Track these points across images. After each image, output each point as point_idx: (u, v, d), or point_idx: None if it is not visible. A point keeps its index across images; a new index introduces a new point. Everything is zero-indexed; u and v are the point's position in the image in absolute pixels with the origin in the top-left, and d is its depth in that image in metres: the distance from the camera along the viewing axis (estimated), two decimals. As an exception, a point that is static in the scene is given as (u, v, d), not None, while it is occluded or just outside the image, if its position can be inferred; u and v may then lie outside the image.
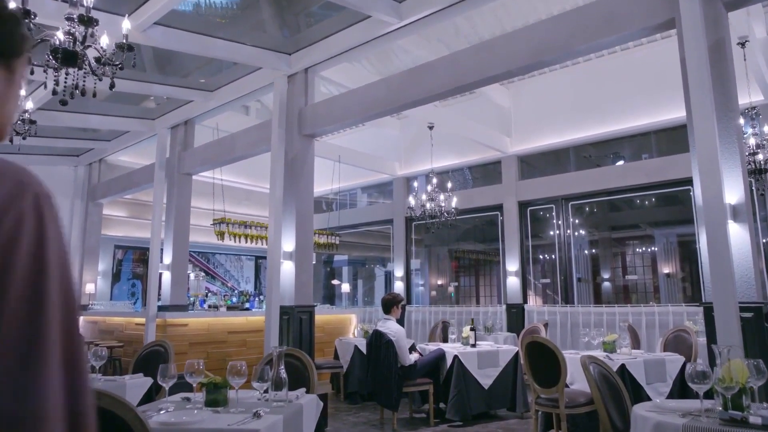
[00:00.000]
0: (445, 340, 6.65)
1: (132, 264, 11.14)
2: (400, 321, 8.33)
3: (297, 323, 5.46)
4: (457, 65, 4.80)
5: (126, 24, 2.85)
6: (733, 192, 3.16)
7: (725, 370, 2.06)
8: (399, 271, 10.05)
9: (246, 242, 8.41)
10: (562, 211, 8.40)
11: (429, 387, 5.00)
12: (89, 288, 9.34)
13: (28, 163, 8.52)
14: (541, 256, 9.02)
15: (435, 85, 4.91)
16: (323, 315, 7.82)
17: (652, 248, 9.41)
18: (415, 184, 9.09)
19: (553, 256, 8.56)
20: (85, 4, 2.66)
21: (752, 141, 5.05)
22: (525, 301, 8.48)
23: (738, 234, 3.12)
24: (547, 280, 8.78)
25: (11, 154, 8.40)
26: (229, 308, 8.13)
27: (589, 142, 8.27)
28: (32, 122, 3.68)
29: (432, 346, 5.50)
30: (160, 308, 7.13)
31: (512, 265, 8.56)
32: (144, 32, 4.65)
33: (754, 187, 5.92)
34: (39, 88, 5.05)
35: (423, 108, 7.64)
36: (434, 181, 8.00)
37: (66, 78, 2.58)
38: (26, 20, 2.37)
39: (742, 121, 3.47)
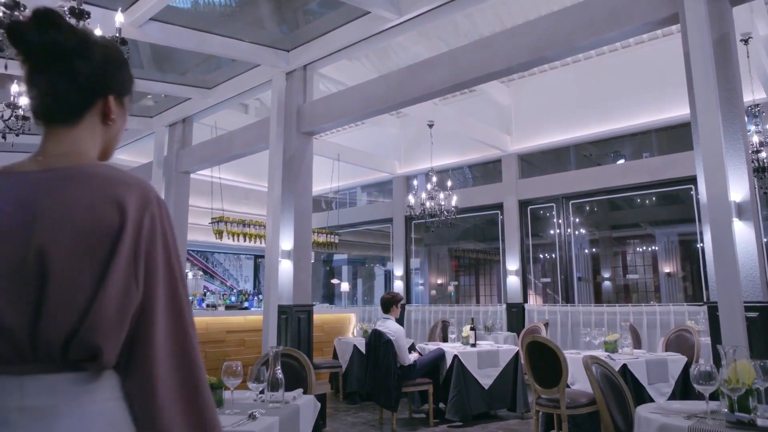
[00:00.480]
0: (444, 339, 6.61)
1: (130, 263, 11.08)
2: (400, 320, 8.28)
3: (295, 323, 5.41)
4: (457, 62, 4.74)
5: (119, 17, 2.79)
6: (738, 189, 3.11)
7: (731, 371, 2.01)
8: (399, 270, 10.00)
9: (244, 241, 8.37)
10: (563, 210, 8.36)
11: (428, 387, 4.96)
12: (87, 287, 9.28)
13: (25, 161, 8.45)
14: (541, 255, 8.97)
15: (434, 81, 4.86)
16: (322, 314, 7.77)
17: (653, 247, 9.37)
18: (415, 182, 9.04)
19: (554, 255, 8.52)
20: (77, -4, 2.61)
21: (755, 139, 5.01)
22: (525, 300, 8.43)
23: (743, 232, 3.07)
24: (548, 280, 8.74)
25: (7, 153, 8.35)
26: (227, 307, 8.08)
27: (590, 141, 8.23)
28: (25, 118, 3.63)
29: (432, 346, 5.46)
30: (158, 307, 7.06)
31: (512, 264, 8.51)
32: (140, 28, 4.59)
33: (756, 186, 5.88)
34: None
35: (423, 106, 7.61)
36: (434, 179, 7.95)
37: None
38: (16, 13, 2.31)
39: (745, 118, 3.42)
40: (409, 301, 9.84)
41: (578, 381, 4.14)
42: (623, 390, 2.79)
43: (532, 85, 8.68)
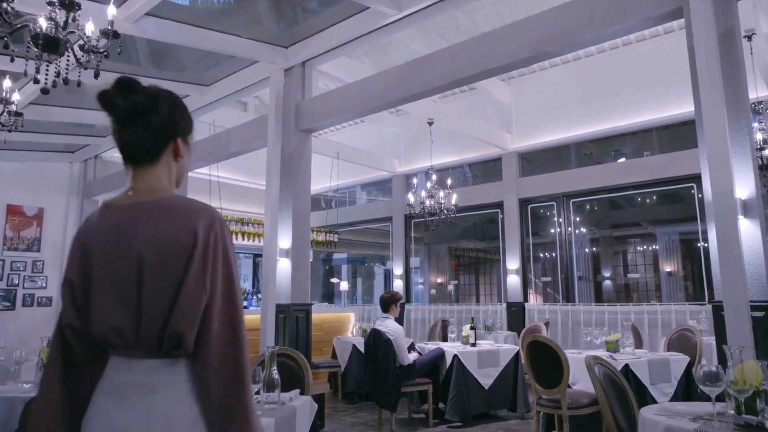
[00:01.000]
0: (444, 339, 6.56)
1: (128, 262, 11.04)
2: (399, 320, 8.23)
3: (293, 322, 5.35)
4: (457, 58, 4.68)
5: (111, 9, 2.73)
6: (744, 186, 3.05)
7: (738, 371, 1.96)
8: (398, 269, 9.96)
9: (243, 240, 8.31)
10: (563, 208, 8.31)
11: (428, 387, 4.92)
12: (85, 286, 9.24)
13: (23, 159, 8.36)
14: (541, 254, 8.92)
15: (434, 78, 4.80)
16: (321, 313, 7.72)
17: (654, 246, 9.31)
18: (415, 181, 8.98)
19: (554, 254, 8.47)
20: (67, -14, 2.54)
21: (759, 136, 4.95)
22: (525, 299, 8.39)
23: (749, 230, 3.01)
24: (548, 279, 8.69)
25: (4, 151, 8.29)
26: (225, 306, 8.02)
27: (591, 139, 8.18)
28: (18, 114, 3.57)
29: (431, 345, 5.42)
30: (156, 306, 7.01)
31: (512, 263, 8.47)
32: (135, 23, 4.53)
33: (760, 183, 5.82)
34: (30, 82, 4.93)
35: (422, 104, 7.56)
36: (434, 177, 7.90)
37: (48, 67, 2.46)
38: (3, 3, 2.26)
39: (750, 114, 3.36)
40: (408, 300, 9.79)
41: (579, 381, 4.09)
42: (626, 391, 2.74)
43: (533, 82, 8.63)
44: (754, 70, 5.55)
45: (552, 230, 8.55)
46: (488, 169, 9.60)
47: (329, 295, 12.72)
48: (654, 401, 3.77)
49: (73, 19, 2.48)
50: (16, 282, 8.61)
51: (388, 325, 4.83)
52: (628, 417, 2.65)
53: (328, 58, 5.96)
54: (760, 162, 4.89)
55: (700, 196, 6.99)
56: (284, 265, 5.56)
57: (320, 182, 10.13)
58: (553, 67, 8.35)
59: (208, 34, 5.22)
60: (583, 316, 7.46)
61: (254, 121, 6.77)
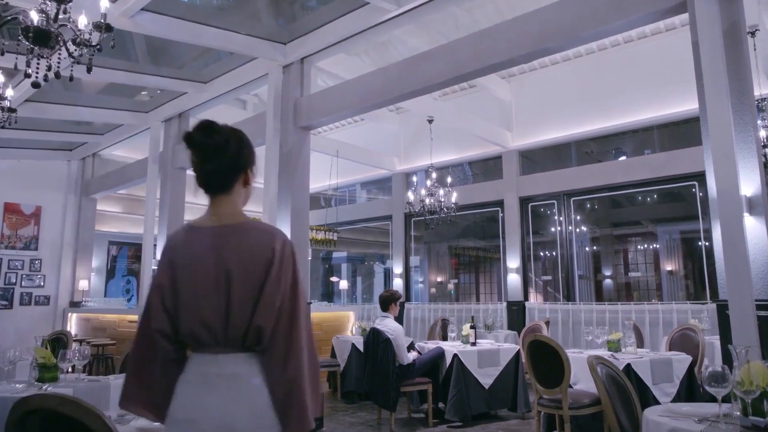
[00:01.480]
0: (444, 338, 6.52)
1: (127, 260, 10.99)
2: (399, 319, 8.19)
3: (292, 321, 5.30)
4: (457, 53, 4.63)
5: (104, 2, 2.67)
6: (749, 183, 2.99)
7: (744, 372, 1.91)
8: (398, 268, 9.91)
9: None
10: (564, 207, 8.27)
11: (428, 386, 4.87)
12: (83, 284, 9.20)
13: (20, 157, 8.29)
14: (542, 253, 8.88)
15: (434, 74, 4.75)
16: (321, 312, 7.67)
17: (654, 245, 9.27)
18: (415, 179, 8.94)
19: (555, 253, 8.42)
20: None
21: (762, 133, 4.90)
22: (526, 298, 8.35)
23: (754, 228, 2.95)
24: (548, 277, 8.65)
25: (1, 149, 8.23)
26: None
27: (591, 137, 8.14)
28: (11, 110, 3.51)
29: (431, 345, 5.37)
30: (153, 305, 6.96)
31: (513, 261, 8.42)
32: (132, 18, 4.47)
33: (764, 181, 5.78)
34: (25, 78, 4.87)
35: (422, 102, 7.51)
36: (434, 175, 7.85)
37: (39, 60, 2.41)
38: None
39: (756, 109, 3.30)
40: (408, 299, 9.75)
41: (581, 381, 4.04)
42: (629, 391, 2.69)
43: (533, 80, 8.58)
44: (758, 66, 5.50)
45: (552, 229, 8.50)
46: (488, 167, 9.55)
47: (329, 293, 12.68)
48: (656, 401, 3.72)
49: (64, 11, 2.42)
50: (14, 281, 8.56)
51: (388, 324, 4.78)
52: (631, 418, 2.60)
53: (327, 54, 5.90)
54: (764, 159, 4.84)
55: (701, 194, 6.94)
56: (283, 264, 5.51)
57: (320, 181, 10.08)
58: (553, 65, 8.30)
59: (206, 30, 5.17)
60: (583, 315, 7.42)
61: (252, 118, 6.72)
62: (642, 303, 7.14)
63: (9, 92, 3.47)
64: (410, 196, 7.95)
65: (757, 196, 2.97)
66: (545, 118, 8.29)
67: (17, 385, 2.92)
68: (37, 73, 2.38)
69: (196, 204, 9.64)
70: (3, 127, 3.50)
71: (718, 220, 2.95)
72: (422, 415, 5.14)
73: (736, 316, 2.78)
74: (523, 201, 8.57)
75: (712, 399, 1.98)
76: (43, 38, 2.33)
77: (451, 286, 10.57)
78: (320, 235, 8.86)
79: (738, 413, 1.90)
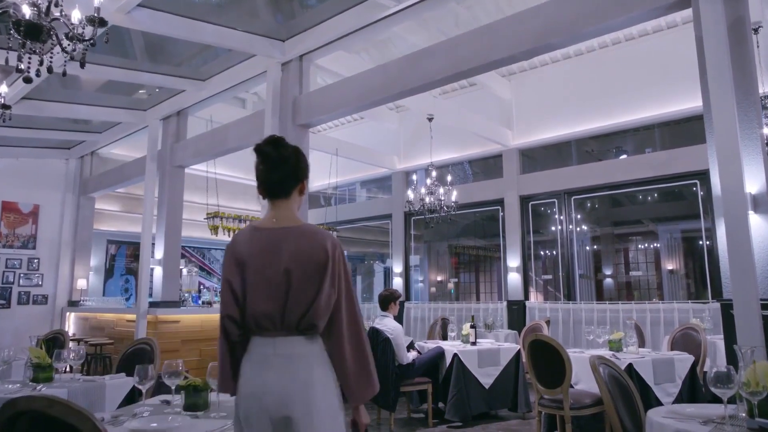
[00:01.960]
0: (444, 337, 6.48)
1: (125, 259, 10.95)
2: (398, 318, 8.15)
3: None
4: (458, 50, 4.58)
5: (98, -4, 2.63)
6: (754, 181, 2.95)
7: (750, 373, 1.87)
8: (398, 267, 9.87)
9: (240, 237, 8.21)
10: (564, 205, 8.22)
11: (428, 386, 4.84)
12: (81, 283, 9.15)
13: (18, 155, 8.24)
14: (542, 252, 8.83)
15: (434, 71, 4.70)
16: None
17: (655, 244, 9.22)
18: (414, 177, 8.89)
19: (555, 252, 8.38)
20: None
21: (765, 131, 4.85)
22: (526, 297, 8.31)
23: (759, 225, 2.91)
24: (549, 277, 8.61)
25: (1, 147, 8.19)
26: (223, 304, 7.93)
27: (592, 136, 8.09)
28: (6, 107, 3.46)
29: (431, 344, 5.33)
30: (152, 304, 6.93)
31: (513, 260, 8.38)
32: (128, 14, 4.42)
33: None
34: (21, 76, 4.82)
35: (422, 100, 7.46)
36: (434, 174, 7.81)
37: (30, 56, 2.36)
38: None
39: (760, 106, 3.26)
40: (408, 299, 9.71)
41: (582, 381, 4.00)
42: (632, 392, 2.65)
43: (534, 78, 8.53)
44: (761, 63, 5.45)
45: (553, 228, 8.46)
46: (488, 166, 9.50)
47: (328, 293, 12.62)
48: (658, 401, 3.68)
49: (56, 4, 2.37)
50: (12, 280, 8.52)
51: (387, 324, 4.75)
52: (633, 419, 2.56)
53: (326, 51, 5.86)
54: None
55: (702, 193, 6.90)
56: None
57: (320, 179, 10.04)
58: (554, 63, 8.25)
59: (204, 26, 5.12)
60: (584, 315, 7.38)
61: (251, 116, 6.67)
62: (643, 302, 7.10)
63: (3, 89, 3.43)
64: (410, 194, 7.91)
65: (762, 194, 2.92)
66: (546, 117, 8.24)
67: (10, 386, 2.88)
68: (28, 68, 2.33)
69: (195, 203, 9.61)
70: (-3, 124, 3.46)
71: (722, 218, 2.90)
72: (422, 415, 5.11)
73: (740, 316, 2.73)
74: (524, 200, 8.53)
75: (715, 399, 1.94)
76: (35, 32, 2.28)
77: (451, 286, 10.52)
78: (319, 234, 8.81)
79: (744, 415, 1.87)
